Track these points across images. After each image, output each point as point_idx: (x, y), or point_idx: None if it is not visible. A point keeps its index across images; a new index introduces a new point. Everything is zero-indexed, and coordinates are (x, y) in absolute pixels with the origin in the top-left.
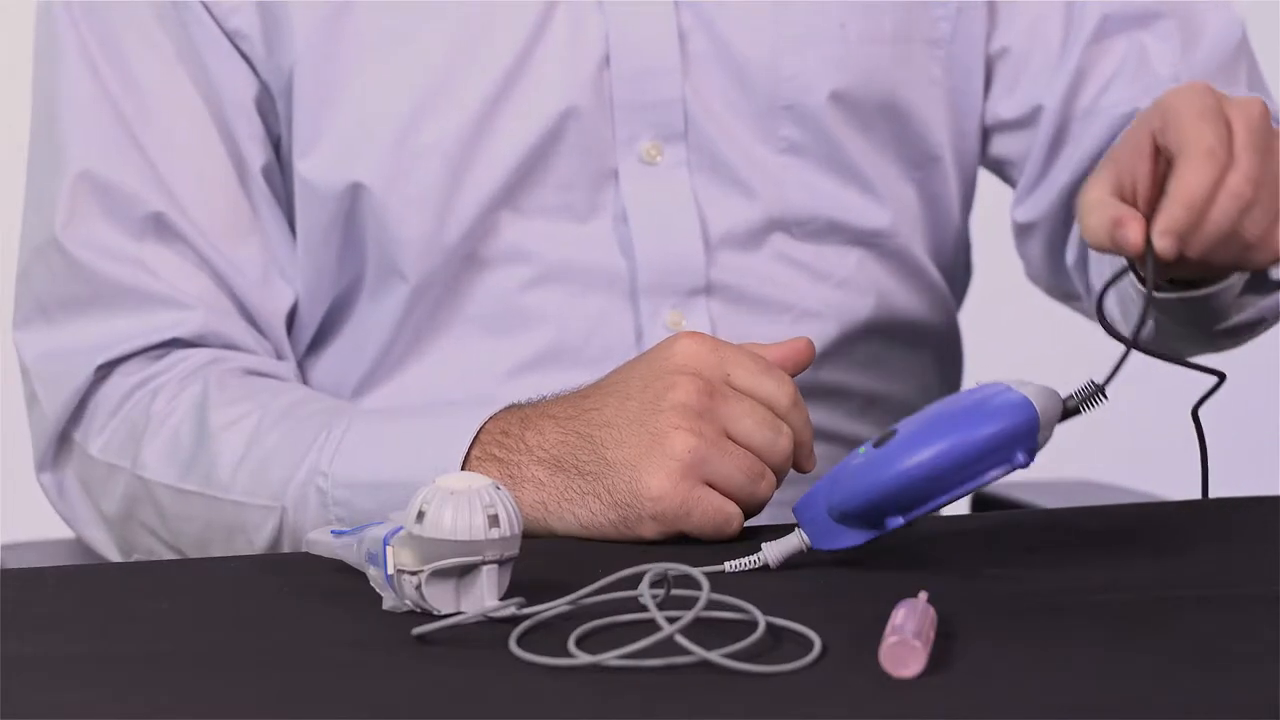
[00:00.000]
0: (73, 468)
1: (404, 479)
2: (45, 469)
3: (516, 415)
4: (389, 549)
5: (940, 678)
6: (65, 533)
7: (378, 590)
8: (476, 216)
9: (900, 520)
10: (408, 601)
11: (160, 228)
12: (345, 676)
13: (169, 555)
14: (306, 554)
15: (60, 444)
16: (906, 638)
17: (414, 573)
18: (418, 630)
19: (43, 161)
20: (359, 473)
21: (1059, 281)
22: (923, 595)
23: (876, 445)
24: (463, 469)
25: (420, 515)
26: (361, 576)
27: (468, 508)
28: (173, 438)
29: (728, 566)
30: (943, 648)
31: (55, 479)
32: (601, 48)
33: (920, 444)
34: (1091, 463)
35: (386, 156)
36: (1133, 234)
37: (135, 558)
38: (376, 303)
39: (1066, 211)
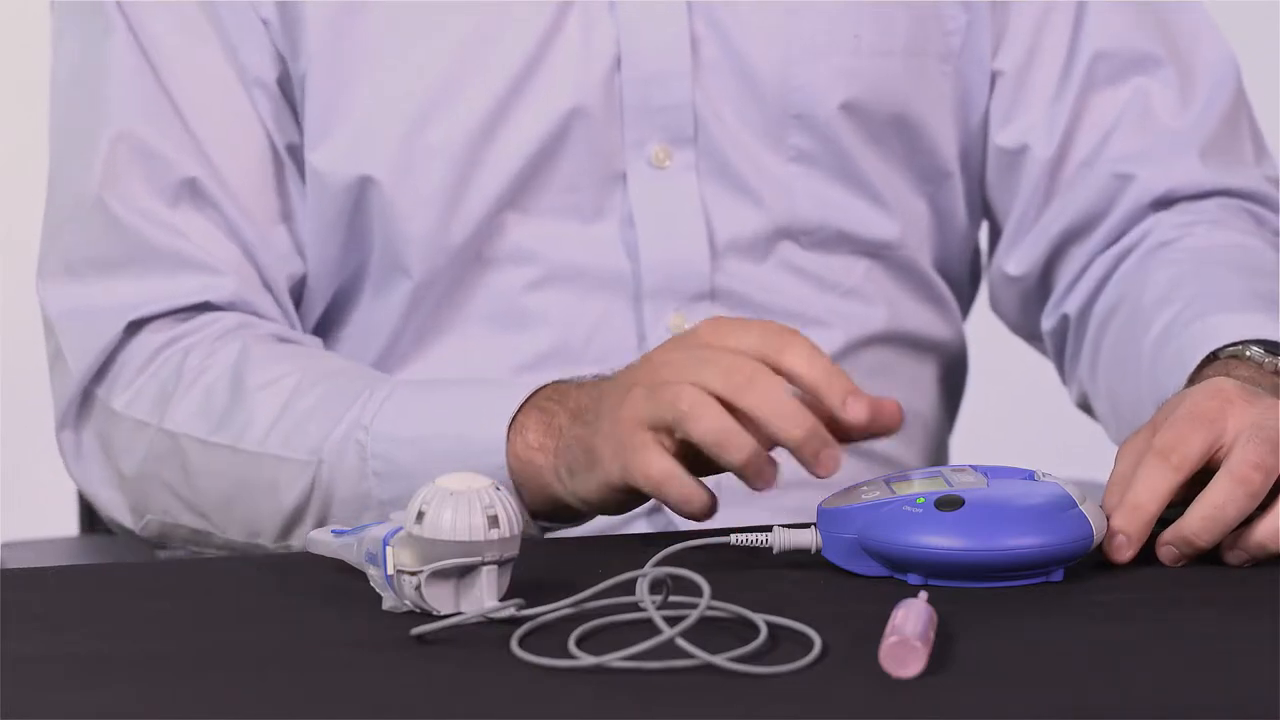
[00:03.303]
0: (93, 425)
1: (449, 432)
2: (66, 426)
3: (580, 380)
4: (389, 549)
5: (940, 678)
6: (65, 533)
7: (378, 590)
8: (483, 216)
9: (923, 581)
10: (407, 601)
11: (195, 194)
12: (345, 676)
13: (187, 517)
14: (306, 554)
15: (83, 401)
16: (906, 638)
17: (413, 573)
18: (417, 630)
19: (77, 124)
20: (402, 428)
21: (1026, 324)
22: (923, 595)
23: (938, 506)
24: (510, 424)
25: (420, 516)
26: (361, 576)
27: (467, 508)
28: (205, 394)
29: (733, 539)
30: (943, 648)
31: (74, 437)
32: (613, 50)
33: (978, 534)
34: (1092, 463)
35: (396, 153)
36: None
37: (148, 518)
38: (379, 299)
39: (1049, 265)
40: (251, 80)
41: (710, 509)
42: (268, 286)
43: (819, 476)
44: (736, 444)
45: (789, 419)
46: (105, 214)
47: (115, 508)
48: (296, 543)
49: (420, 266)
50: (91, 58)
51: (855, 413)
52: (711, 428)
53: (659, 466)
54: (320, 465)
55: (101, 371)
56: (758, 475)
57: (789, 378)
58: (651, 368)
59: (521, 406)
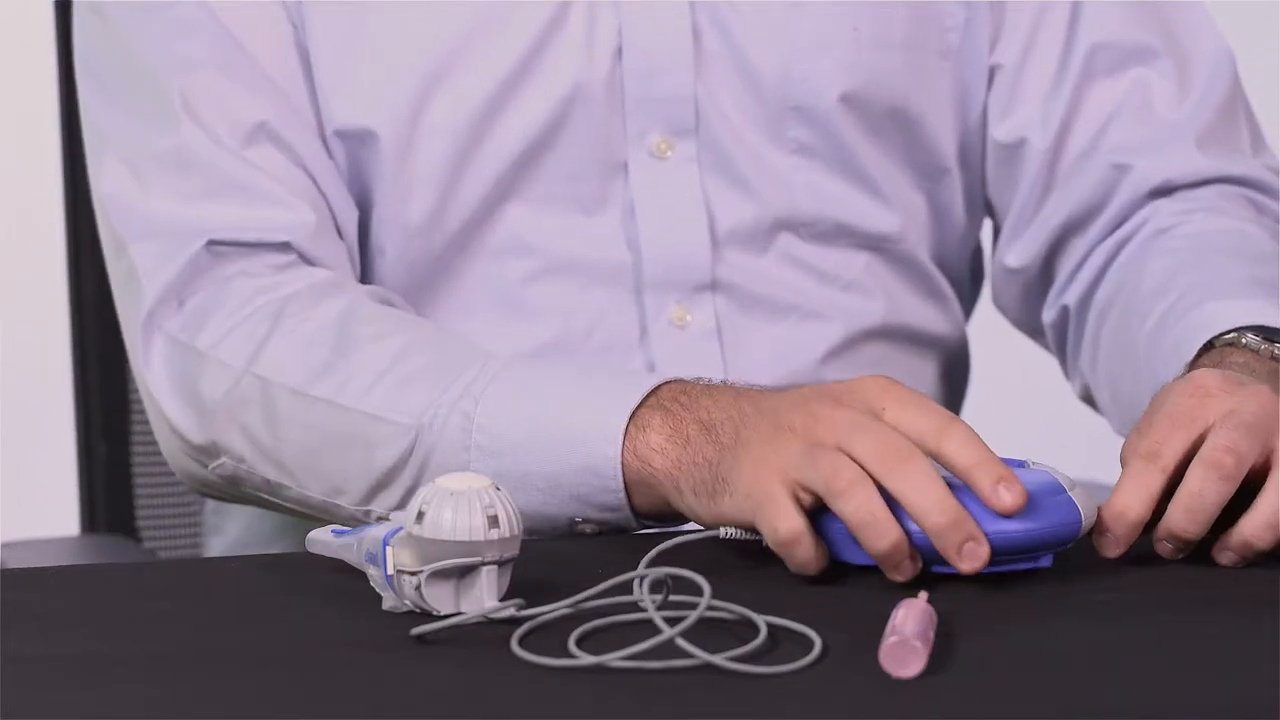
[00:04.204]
0: (164, 357)
1: (565, 414)
2: (138, 350)
3: (704, 384)
4: (389, 549)
5: (940, 678)
6: (65, 532)
7: (378, 590)
8: (482, 199)
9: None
10: (407, 602)
11: (270, 134)
12: (345, 676)
13: (264, 466)
14: (307, 554)
15: (157, 330)
16: (906, 638)
17: (413, 573)
18: (417, 630)
19: (149, 67)
20: (514, 404)
21: (1028, 318)
22: (923, 595)
23: None
24: (630, 417)
25: (420, 516)
26: (361, 576)
27: (467, 508)
28: (305, 343)
29: (723, 533)
30: (943, 648)
31: (144, 361)
32: (615, 41)
33: None
34: (1092, 463)
35: (399, 127)
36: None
37: (223, 460)
38: (367, 279)
39: (1050, 257)
40: (293, 28)
41: (821, 570)
42: (339, 231)
43: (961, 570)
44: (880, 532)
45: (934, 505)
46: (186, 148)
47: (195, 434)
48: (379, 508)
49: (410, 250)
50: (147, 8)
51: (1004, 500)
52: (860, 508)
53: (788, 526)
54: (422, 430)
55: (180, 304)
56: (895, 567)
57: (945, 461)
58: (809, 416)
59: (644, 400)
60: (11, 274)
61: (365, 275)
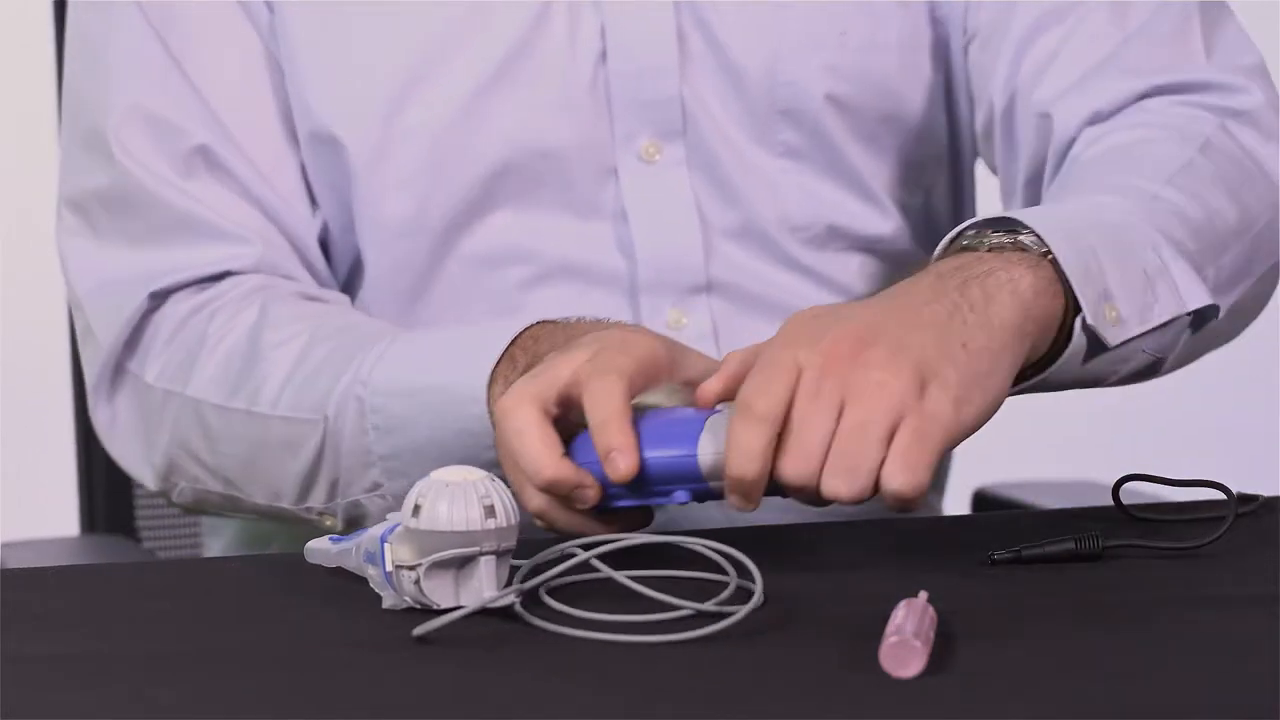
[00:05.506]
0: (127, 399)
1: (439, 383)
2: (99, 401)
3: (561, 324)
4: (386, 545)
5: (940, 678)
6: (65, 533)
7: (377, 590)
8: (465, 205)
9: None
10: (407, 598)
11: (209, 161)
12: (345, 676)
13: (213, 483)
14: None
15: (115, 375)
16: (906, 638)
17: (412, 567)
18: (418, 630)
19: (89, 96)
20: (397, 380)
21: None
22: (923, 595)
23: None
24: (493, 370)
25: (416, 509)
26: (361, 576)
27: (463, 499)
28: (225, 359)
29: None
30: (943, 648)
31: (109, 410)
32: (598, 44)
33: (588, 452)
34: (1092, 463)
35: (374, 131)
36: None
37: (181, 486)
38: (354, 292)
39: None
40: (260, 28)
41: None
42: (295, 247)
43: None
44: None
45: (533, 466)
46: (124, 185)
47: (149, 478)
48: (315, 503)
49: (392, 251)
50: (99, 27)
51: (617, 468)
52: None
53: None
54: (327, 421)
55: (131, 344)
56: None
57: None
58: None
59: (508, 350)
60: (11, 274)
61: (355, 276)
